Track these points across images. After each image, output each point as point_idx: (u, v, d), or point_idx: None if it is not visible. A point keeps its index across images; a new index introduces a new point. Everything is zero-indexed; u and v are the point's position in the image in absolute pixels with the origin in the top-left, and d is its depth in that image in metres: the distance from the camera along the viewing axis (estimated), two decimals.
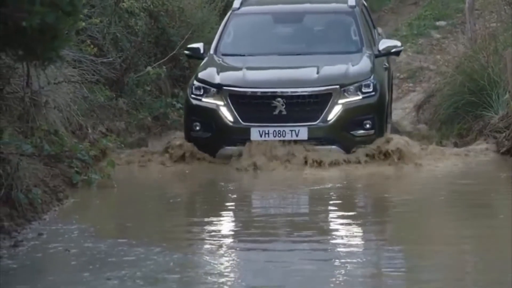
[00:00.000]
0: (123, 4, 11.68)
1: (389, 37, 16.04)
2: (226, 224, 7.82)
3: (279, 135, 10.07)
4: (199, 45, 11.10)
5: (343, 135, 10.19)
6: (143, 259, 6.32)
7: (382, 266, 6.28)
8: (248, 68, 10.49)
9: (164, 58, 12.11)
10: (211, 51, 10.98)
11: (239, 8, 11.43)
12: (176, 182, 9.73)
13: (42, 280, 5.84)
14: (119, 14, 11.72)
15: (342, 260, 6.34)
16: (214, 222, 7.73)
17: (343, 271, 6.06)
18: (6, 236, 6.82)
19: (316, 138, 10.18)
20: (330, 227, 7.62)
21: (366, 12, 11.71)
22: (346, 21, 11.27)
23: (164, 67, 11.78)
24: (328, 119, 10.14)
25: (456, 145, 10.80)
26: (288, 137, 10.12)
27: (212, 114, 10.17)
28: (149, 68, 11.68)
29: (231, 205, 8.54)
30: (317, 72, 10.36)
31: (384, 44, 11.17)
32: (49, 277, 5.98)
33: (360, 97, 10.29)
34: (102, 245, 6.73)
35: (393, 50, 11.09)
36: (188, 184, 9.65)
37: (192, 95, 10.35)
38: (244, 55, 10.86)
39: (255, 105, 10.16)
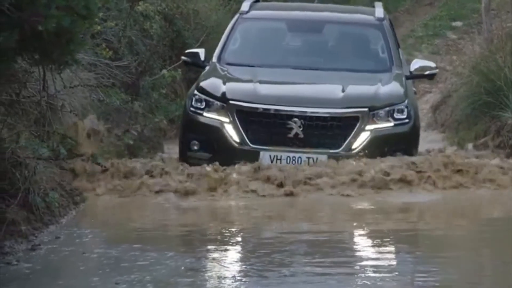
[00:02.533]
0: (138, 7, 11.69)
1: (404, 38, 16.06)
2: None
3: (294, 161, 8.62)
4: (200, 51, 9.72)
5: None
6: (154, 263, 6.26)
7: None
8: (261, 82, 9.04)
9: (179, 61, 12.09)
10: (214, 59, 9.62)
11: (248, 12, 10.01)
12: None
13: (51, 285, 5.81)
14: (134, 18, 11.73)
15: None
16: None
17: None
18: (24, 240, 6.83)
19: None
20: None
21: (392, 27, 10.27)
22: (373, 35, 9.80)
23: (179, 70, 11.78)
24: (353, 147, 8.68)
25: (474, 147, 10.73)
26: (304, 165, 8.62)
27: (214, 132, 8.76)
28: (164, 71, 11.68)
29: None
30: (343, 91, 8.93)
31: (416, 64, 9.66)
32: (59, 281, 5.96)
33: (392, 124, 8.78)
34: (117, 249, 6.71)
35: (427, 72, 9.59)
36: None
37: (192, 108, 8.95)
38: (253, 66, 9.45)
39: (267, 125, 8.72)
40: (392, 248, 6.85)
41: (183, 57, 9.89)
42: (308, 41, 9.98)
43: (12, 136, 7.26)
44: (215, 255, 6.62)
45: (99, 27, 10.14)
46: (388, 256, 6.66)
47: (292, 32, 10.02)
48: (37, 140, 7.96)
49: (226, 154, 8.65)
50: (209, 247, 6.81)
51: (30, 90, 7.64)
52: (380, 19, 9.90)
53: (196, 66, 9.77)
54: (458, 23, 16.81)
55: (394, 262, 6.51)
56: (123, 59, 10.93)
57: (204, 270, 6.23)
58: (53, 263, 6.42)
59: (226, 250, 6.83)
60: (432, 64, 9.76)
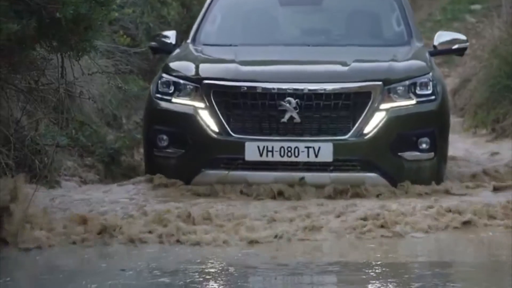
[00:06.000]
0: None
1: (423, 23, 15.97)
2: None
3: (289, 154, 6.90)
4: (170, 33, 8.03)
5: (387, 157, 6.98)
6: (164, 250, 6.06)
7: None
8: (244, 60, 7.31)
9: None
10: (188, 40, 7.98)
11: None
12: None
13: (57, 271, 5.79)
14: (152, 4, 11.74)
15: None
16: None
17: None
18: None
19: (346, 161, 6.98)
20: None
21: None
22: (385, 4, 8.04)
23: None
24: (365, 131, 6.98)
25: (493, 131, 10.70)
26: (302, 157, 6.91)
27: (186, 121, 7.05)
28: None
29: None
30: (349, 64, 7.21)
31: (442, 37, 7.90)
32: (65, 267, 5.89)
33: (414, 101, 7.06)
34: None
35: (456, 46, 7.88)
36: None
37: (158, 94, 7.25)
38: (236, 46, 7.71)
39: (253, 108, 6.99)
40: None
41: (151, 43, 8.27)
42: (305, 16, 8.26)
43: (31, 123, 7.28)
44: None
45: (116, 14, 10.14)
46: None
47: (285, 6, 8.19)
48: (56, 127, 7.98)
49: (202, 149, 7.03)
50: None
51: (48, 78, 7.64)
52: None
53: (165, 53, 7.97)
54: (477, 6, 16.72)
55: None
56: (141, 46, 10.93)
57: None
58: (62, 249, 6.40)
59: None
60: (462, 37, 7.98)
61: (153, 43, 8.14)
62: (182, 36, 9.55)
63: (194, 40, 7.94)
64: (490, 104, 11.24)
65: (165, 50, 7.94)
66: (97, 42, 6.44)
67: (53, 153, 7.28)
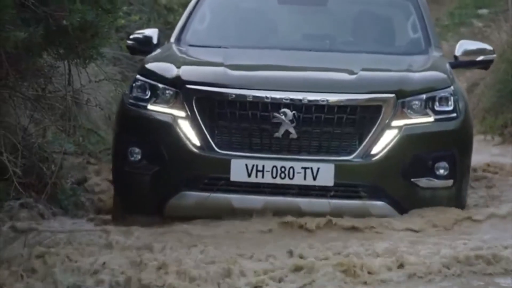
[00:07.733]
0: (162, 0, 11.73)
1: None
2: None
3: (283, 175, 5.86)
4: (151, 32, 7.06)
5: (398, 183, 5.96)
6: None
7: None
8: (232, 66, 6.26)
9: None
10: (172, 40, 7.03)
11: None
12: None
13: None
14: (158, 11, 11.76)
15: None
16: None
17: None
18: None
19: (349, 186, 5.95)
20: None
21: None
22: (401, 8, 7.13)
23: None
24: (373, 152, 5.95)
25: (501, 135, 10.69)
26: (298, 179, 5.87)
27: (163, 132, 6.03)
28: None
29: None
30: (356, 72, 6.21)
31: (464, 46, 6.96)
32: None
33: (432, 118, 6.03)
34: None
35: (481, 58, 6.88)
36: None
37: (131, 100, 6.24)
38: (226, 48, 6.73)
39: (241, 120, 5.96)
40: None
41: (128, 42, 7.26)
42: (307, 17, 7.32)
43: (39, 131, 7.29)
44: None
45: (123, 21, 10.17)
46: None
47: (283, 4, 7.30)
48: (63, 135, 7.99)
49: (180, 166, 5.98)
50: None
51: (55, 85, 7.66)
52: None
53: (144, 54, 6.89)
54: (484, 11, 16.72)
55: None
56: None
57: None
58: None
59: None
60: (488, 47, 6.98)
61: (130, 42, 7.15)
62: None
63: (178, 40, 6.98)
64: (498, 109, 11.24)
65: (145, 50, 6.92)
66: (104, 49, 6.43)
67: (61, 161, 7.29)
